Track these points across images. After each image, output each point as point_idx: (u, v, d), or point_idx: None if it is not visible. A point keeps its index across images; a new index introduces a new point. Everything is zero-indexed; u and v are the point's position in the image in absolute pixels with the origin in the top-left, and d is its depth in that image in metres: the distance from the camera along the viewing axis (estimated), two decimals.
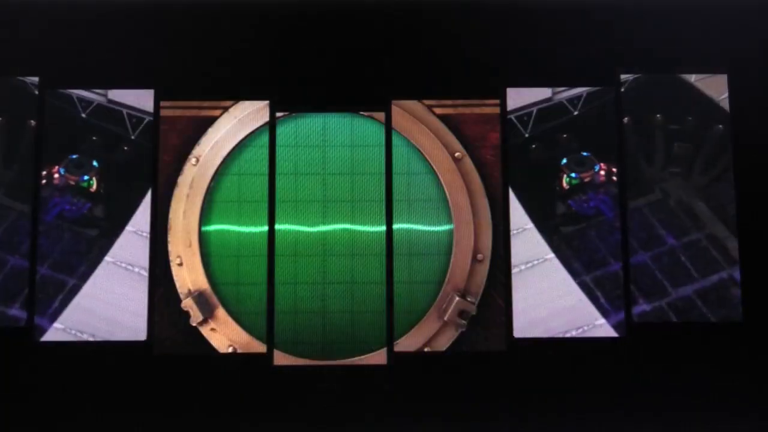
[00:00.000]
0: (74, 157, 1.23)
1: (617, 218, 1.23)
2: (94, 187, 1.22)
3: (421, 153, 1.22)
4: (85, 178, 1.23)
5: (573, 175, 1.23)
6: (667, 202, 1.23)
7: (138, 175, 1.22)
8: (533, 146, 1.24)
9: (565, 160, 1.24)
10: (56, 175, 1.23)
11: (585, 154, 1.24)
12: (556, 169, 1.23)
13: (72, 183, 1.23)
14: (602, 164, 1.24)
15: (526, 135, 1.23)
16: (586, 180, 1.23)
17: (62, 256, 1.21)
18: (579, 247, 1.22)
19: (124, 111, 1.23)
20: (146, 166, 1.22)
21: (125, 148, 1.23)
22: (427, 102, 1.23)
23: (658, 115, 1.25)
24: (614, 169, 1.23)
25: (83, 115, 1.23)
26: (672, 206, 1.23)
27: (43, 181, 1.22)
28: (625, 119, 1.25)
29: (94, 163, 1.23)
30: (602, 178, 1.24)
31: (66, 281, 1.20)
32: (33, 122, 1.24)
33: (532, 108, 1.24)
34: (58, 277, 1.20)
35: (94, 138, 1.23)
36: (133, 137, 1.23)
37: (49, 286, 1.20)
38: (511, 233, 1.22)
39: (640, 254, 1.22)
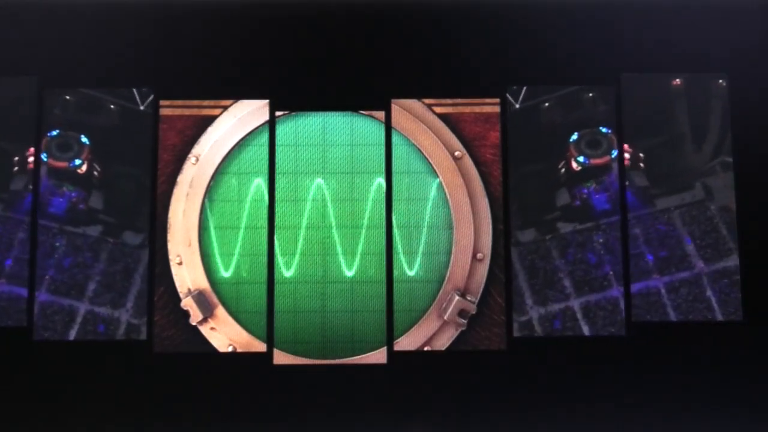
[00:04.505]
0: (55, 134, 1.02)
1: (639, 221, 0.93)
2: (84, 168, 1.01)
3: (421, 152, 1.22)
4: (77, 162, 0.99)
5: (581, 159, 0.96)
6: (707, 206, 0.93)
7: (141, 149, 1.14)
8: (545, 105, 0.96)
9: (575, 136, 0.96)
10: (31, 159, 0.98)
11: (604, 130, 0.96)
12: (563, 144, 1.02)
13: (55, 169, 0.99)
14: (626, 146, 0.96)
15: (517, 105, 1.10)
16: (602, 165, 0.97)
17: (60, 272, 0.95)
18: (575, 257, 0.94)
19: None
20: (148, 139, 1.16)
21: (111, 107, 1.04)
22: (427, 101, 1.23)
23: (721, 81, 0.96)
24: (641, 154, 0.94)
25: None
26: (713, 213, 0.93)
27: (15, 168, 1.01)
28: (677, 80, 0.98)
29: (83, 140, 1.01)
30: (626, 163, 0.95)
31: (76, 308, 0.97)
32: None
33: None
34: (63, 304, 0.94)
35: (67, 97, 0.98)
36: (141, 108, 1.15)
37: (55, 317, 0.94)
38: None
39: (654, 278, 0.93)
